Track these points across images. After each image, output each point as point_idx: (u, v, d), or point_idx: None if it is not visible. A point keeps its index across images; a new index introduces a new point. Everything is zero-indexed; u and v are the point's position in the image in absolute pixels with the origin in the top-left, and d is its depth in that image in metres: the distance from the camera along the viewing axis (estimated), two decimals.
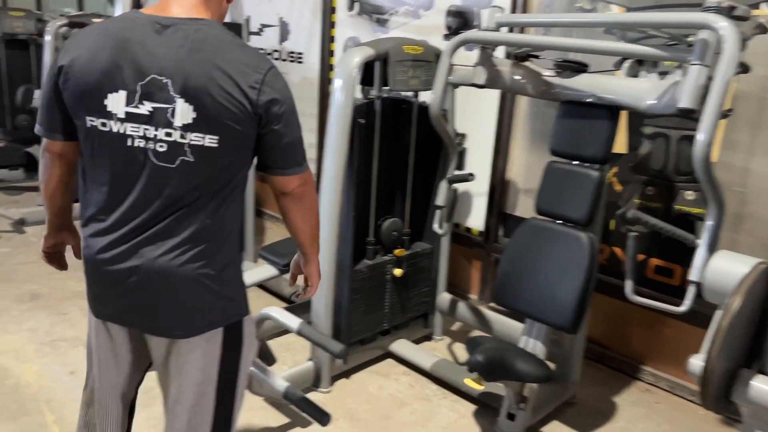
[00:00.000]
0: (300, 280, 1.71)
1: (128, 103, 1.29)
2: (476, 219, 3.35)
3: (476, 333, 3.05)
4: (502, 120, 3.17)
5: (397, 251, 2.74)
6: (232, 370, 1.48)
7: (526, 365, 2.12)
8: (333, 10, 3.99)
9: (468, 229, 3.40)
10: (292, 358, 2.80)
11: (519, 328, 2.62)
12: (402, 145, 2.74)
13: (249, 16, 4.56)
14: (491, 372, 2.11)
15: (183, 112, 1.27)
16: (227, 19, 3.42)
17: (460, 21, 3.32)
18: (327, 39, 4.06)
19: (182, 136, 1.28)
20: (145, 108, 1.28)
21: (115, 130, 1.29)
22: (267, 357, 2.52)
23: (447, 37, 3.38)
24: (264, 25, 4.52)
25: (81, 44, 1.32)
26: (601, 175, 2.20)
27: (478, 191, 3.29)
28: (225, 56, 1.28)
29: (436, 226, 2.68)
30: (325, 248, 2.49)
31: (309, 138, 4.33)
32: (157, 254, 1.33)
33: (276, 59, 4.48)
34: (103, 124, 1.30)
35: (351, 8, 3.89)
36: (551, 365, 2.29)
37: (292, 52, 4.37)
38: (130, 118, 1.29)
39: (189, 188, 1.31)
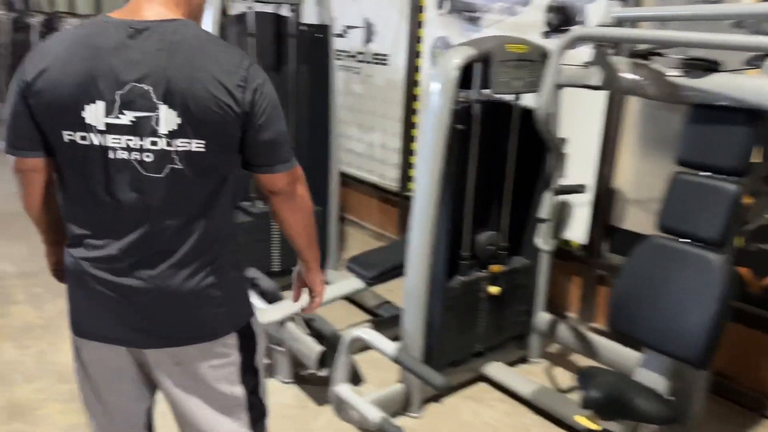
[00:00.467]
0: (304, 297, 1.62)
1: (107, 113, 1.22)
2: (577, 231, 3.09)
3: (577, 357, 2.80)
4: (609, 123, 2.90)
5: (493, 267, 2.53)
6: (252, 369, 1.46)
7: (649, 404, 1.87)
8: (421, 10, 3.82)
9: (567, 242, 3.14)
10: (379, 377, 2.65)
11: (629, 355, 2.37)
12: (500, 152, 2.53)
13: (332, 17, 4.46)
14: (609, 410, 1.88)
15: (167, 118, 1.22)
16: (314, 20, 3.35)
17: (562, 17, 3.06)
18: (414, 39, 3.89)
19: (168, 144, 1.23)
20: (126, 118, 1.22)
21: (96, 143, 1.23)
22: (355, 377, 2.37)
23: (547, 34, 3.14)
24: (348, 27, 4.41)
25: (48, 55, 1.23)
26: (738, 188, 1.92)
27: (580, 200, 3.02)
28: (206, 56, 1.23)
29: (539, 241, 2.46)
30: (417, 263, 2.32)
31: (393, 142, 4.18)
32: (158, 272, 1.29)
33: (360, 61, 4.36)
34: (83, 138, 1.23)
35: (440, 7, 3.70)
36: (671, 400, 2.02)
37: (377, 54, 4.23)
38: (111, 129, 1.22)
39: (181, 196, 1.27)
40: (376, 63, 4.26)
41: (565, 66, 2.28)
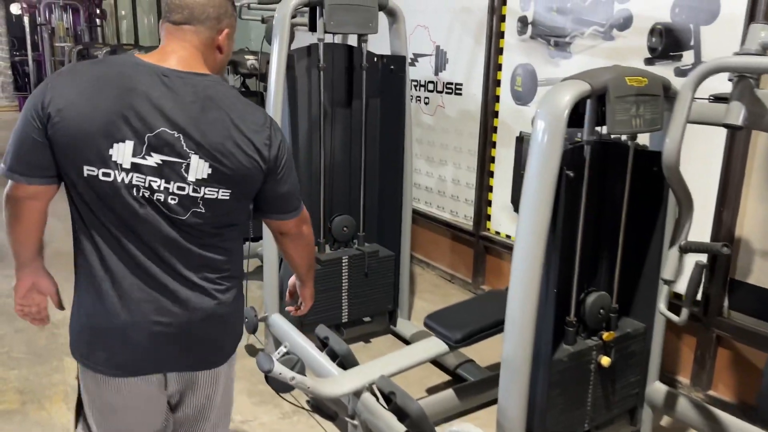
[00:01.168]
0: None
1: (135, 153, 1.27)
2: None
3: None
4: (731, 163, 2.50)
5: (605, 334, 2.16)
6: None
7: None
8: (501, 35, 3.52)
9: (677, 296, 2.74)
10: None
11: None
12: (611, 199, 2.18)
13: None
14: None
15: (198, 167, 1.30)
16: (387, 51, 3.06)
17: (669, 41, 2.70)
18: (493, 67, 3.58)
19: (195, 191, 1.31)
20: (153, 160, 1.28)
21: (119, 180, 1.27)
22: None
23: (650, 61, 2.78)
24: (417, 55, 4.15)
25: (74, 89, 1.25)
26: None
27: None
28: (238, 114, 1.33)
29: (661, 307, 2.08)
30: (519, 331, 1.98)
31: (467, 177, 3.87)
32: (193, 303, 1.38)
33: (431, 91, 4.08)
34: (105, 174, 1.27)
35: (522, 32, 3.39)
36: None
37: (450, 83, 3.95)
38: (136, 168, 1.28)
39: (198, 234, 1.35)
40: (448, 92, 3.97)
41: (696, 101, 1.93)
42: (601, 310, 2.18)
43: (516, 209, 3.63)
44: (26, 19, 11.56)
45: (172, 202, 1.30)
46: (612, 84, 1.90)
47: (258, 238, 4.34)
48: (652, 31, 2.76)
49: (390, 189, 3.15)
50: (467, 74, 3.80)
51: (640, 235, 2.24)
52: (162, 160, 1.28)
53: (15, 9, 11.76)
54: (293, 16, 2.72)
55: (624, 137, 2.13)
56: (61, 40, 10.40)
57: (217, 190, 1.32)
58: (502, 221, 3.69)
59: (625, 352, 2.27)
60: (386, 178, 3.16)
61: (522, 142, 3.54)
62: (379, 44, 3.08)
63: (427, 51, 4.08)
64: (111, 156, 1.25)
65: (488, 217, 3.78)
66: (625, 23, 2.87)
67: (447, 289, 4.03)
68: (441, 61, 4.00)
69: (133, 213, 1.29)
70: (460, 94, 3.88)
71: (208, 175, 1.30)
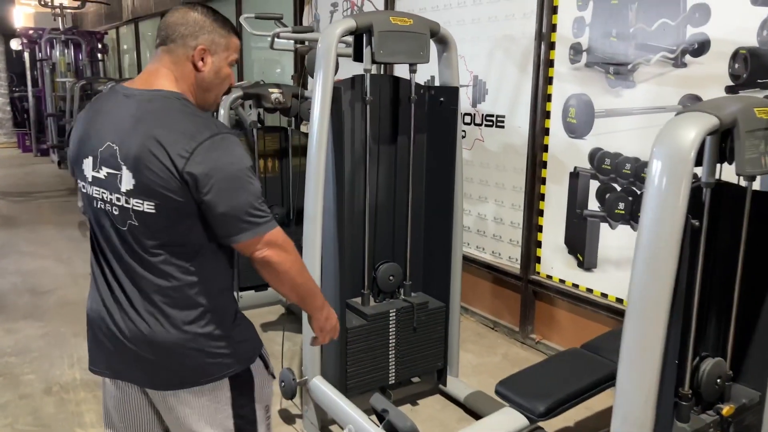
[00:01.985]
0: None
1: (93, 167, 1.40)
2: None
3: None
4: None
5: (725, 409, 1.84)
6: (247, 415, 1.53)
7: None
8: (550, 64, 3.26)
9: None
10: None
11: None
12: (724, 250, 1.88)
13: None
14: None
15: (126, 178, 1.35)
16: (434, 81, 2.77)
17: (757, 67, 2.44)
18: (541, 98, 3.31)
19: (126, 201, 1.36)
20: (103, 173, 1.38)
21: (89, 192, 1.43)
22: None
23: (732, 89, 2.51)
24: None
25: (78, 117, 1.49)
26: None
27: None
28: (165, 125, 1.33)
29: None
30: (635, 407, 1.66)
31: (511, 216, 3.56)
32: (132, 318, 1.41)
33: (468, 124, 3.81)
34: (84, 187, 1.44)
35: (576, 60, 3.13)
36: None
37: (490, 115, 3.68)
38: (94, 181, 1.40)
39: (143, 249, 1.38)
40: (488, 125, 3.70)
41: None
42: (718, 380, 1.86)
43: (571, 251, 3.33)
44: (26, 55, 11.36)
45: (115, 212, 1.38)
46: (742, 117, 1.61)
47: None
48: (735, 56, 2.49)
49: (438, 232, 2.84)
50: (511, 105, 3.53)
51: (755, 289, 1.93)
52: (108, 173, 1.37)
53: (15, 45, 11.57)
54: None
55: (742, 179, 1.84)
56: (63, 76, 10.18)
57: (142, 201, 1.35)
58: (554, 264, 3.38)
59: (741, 426, 1.94)
60: (433, 220, 2.85)
61: (577, 178, 3.27)
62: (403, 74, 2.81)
63: (463, 81, 3.81)
64: (84, 170, 1.42)
65: (538, 260, 3.46)
66: (701, 48, 2.61)
67: (491, 338, 3.69)
68: (480, 91, 3.73)
69: (99, 223, 1.43)
70: (503, 126, 3.60)
71: (133, 185, 1.34)
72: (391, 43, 2.46)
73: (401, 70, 2.61)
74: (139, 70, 10.70)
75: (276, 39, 2.99)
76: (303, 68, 5.56)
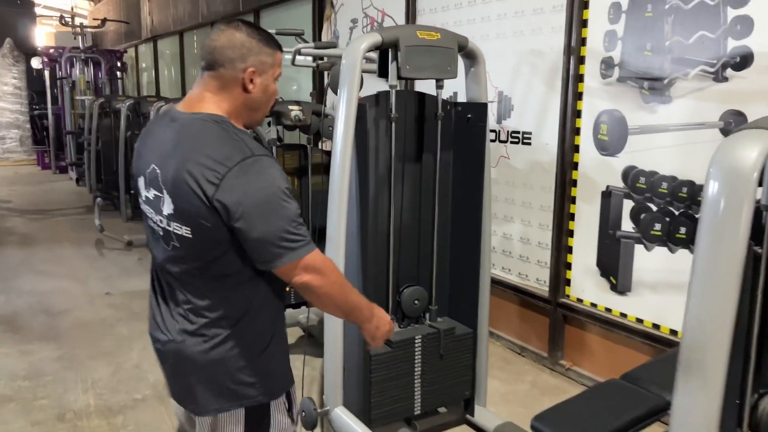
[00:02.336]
0: None
1: (144, 187, 1.45)
2: None
3: None
4: None
5: None
6: None
7: None
8: (580, 79, 3.14)
9: None
10: None
11: None
12: None
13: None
14: None
15: (167, 202, 1.37)
16: (456, 97, 2.66)
17: None
18: (571, 114, 3.20)
19: (168, 224, 1.39)
20: (151, 194, 1.43)
21: (144, 210, 1.48)
22: None
23: None
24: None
25: (138, 137, 1.57)
26: None
27: None
28: (198, 150, 1.33)
29: None
30: None
31: (540, 236, 3.43)
32: (174, 333, 1.44)
33: (492, 141, 3.69)
34: (141, 204, 1.50)
35: (607, 75, 3.02)
36: None
37: (516, 132, 3.56)
38: (146, 200, 1.46)
39: (184, 270, 1.41)
40: (514, 142, 3.58)
41: None
42: None
43: (603, 273, 3.19)
44: (47, 73, 11.47)
45: (161, 233, 1.42)
46: None
47: (300, 304, 3.94)
48: None
49: (465, 255, 2.72)
50: (538, 122, 3.42)
51: None
52: (154, 194, 1.41)
53: (36, 63, 11.70)
54: None
55: None
56: (82, 93, 10.25)
57: (180, 226, 1.36)
58: (585, 287, 3.23)
59: None
60: (460, 242, 2.73)
61: (610, 198, 3.13)
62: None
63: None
64: (140, 189, 1.48)
65: (567, 282, 3.32)
66: (744, 62, 2.48)
67: (519, 364, 3.54)
68: (505, 108, 3.62)
69: (153, 240, 1.48)
70: (529, 143, 3.48)
71: (173, 210, 1.36)
72: (417, 57, 2.36)
73: (422, 86, 2.52)
74: (157, 87, 10.76)
75: (297, 55, 2.90)
76: (322, 85, 5.49)
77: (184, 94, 9.38)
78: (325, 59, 3.11)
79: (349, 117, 2.29)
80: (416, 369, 2.59)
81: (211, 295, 1.41)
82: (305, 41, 3.15)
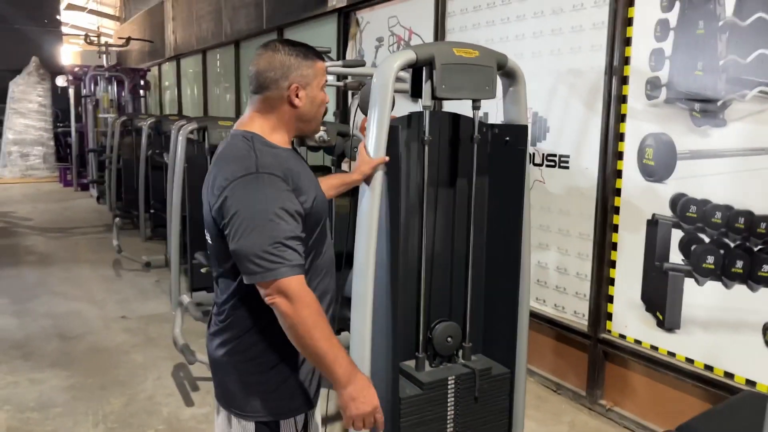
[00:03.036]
0: None
1: None
2: None
3: None
4: None
5: None
6: None
7: None
8: (623, 100, 2.95)
9: None
10: None
11: None
12: None
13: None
14: None
15: (204, 211, 1.52)
16: (487, 117, 2.48)
17: None
18: (613, 137, 3.00)
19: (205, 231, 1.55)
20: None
21: None
22: None
23: None
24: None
25: None
26: None
27: None
28: (221, 165, 1.46)
29: None
30: None
31: (579, 266, 3.22)
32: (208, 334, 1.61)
33: None
34: None
35: (653, 96, 2.82)
36: None
37: (552, 155, 3.37)
38: None
39: (216, 275, 1.54)
40: (550, 165, 3.39)
41: None
42: None
43: (648, 308, 2.95)
44: (71, 91, 11.54)
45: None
46: None
47: None
48: None
49: (501, 288, 2.52)
50: (576, 145, 3.23)
51: None
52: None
53: (61, 81, 11.80)
54: None
55: None
56: (105, 112, 10.27)
57: (207, 233, 1.51)
58: (628, 322, 3.01)
59: None
60: (496, 273, 2.54)
61: (657, 227, 2.91)
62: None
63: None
64: None
65: (609, 316, 3.10)
66: None
67: (554, 402, 3.31)
68: (540, 129, 3.44)
69: None
70: (567, 167, 3.29)
71: (204, 218, 1.51)
72: (454, 76, 2.19)
73: (452, 106, 2.36)
74: (180, 106, 10.76)
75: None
76: (346, 104, 5.36)
77: (206, 112, 9.36)
78: (349, 78, 2.96)
79: (380, 139, 2.13)
80: (449, 413, 2.39)
81: (228, 301, 1.51)
82: (331, 59, 3.00)
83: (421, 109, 2.25)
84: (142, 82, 11.14)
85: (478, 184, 2.45)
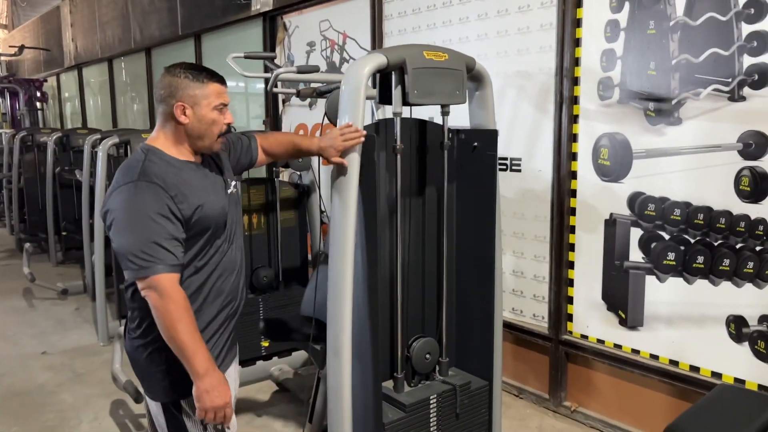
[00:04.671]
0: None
1: None
2: None
3: None
4: None
5: None
6: None
7: None
8: (575, 101, 2.96)
9: None
10: None
11: None
12: None
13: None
14: None
15: None
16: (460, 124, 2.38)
17: None
18: (566, 138, 3.00)
19: None
20: None
21: None
22: None
23: None
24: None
25: None
26: None
27: None
28: (115, 177, 1.64)
29: None
30: None
31: (536, 269, 3.21)
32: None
33: None
34: None
35: (606, 96, 2.84)
36: None
37: (503, 158, 3.34)
38: None
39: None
40: (502, 169, 3.36)
41: None
42: None
43: (610, 307, 2.97)
44: None
45: None
46: None
47: (270, 355, 3.54)
48: None
49: (474, 297, 2.43)
50: (528, 147, 3.21)
51: None
52: None
53: None
54: None
55: None
56: None
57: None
58: (590, 322, 3.02)
59: None
60: (469, 283, 2.45)
61: (615, 226, 2.93)
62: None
63: (467, 123, 3.48)
64: None
65: (569, 318, 3.10)
66: (763, 79, 2.35)
67: (518, 407, 3.28)
68: None
69: None
70: (519, 170, 3.27)
71: None
72: (425, 81, 2.08)
73: (418, 112, 2.26)
74: (84, 118, 10.07)
75: (277, 81, 2.55)
76: (277, 111, 5.14)
77: (115, 124, 8.79)
78: (302, 85, 2.79)
79: (355, 149, 1.98)
80: None
81: (131, 297, 1.70)
82: (277, 66, 2.82)
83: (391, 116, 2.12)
84: (38, 94, 10.34)
85: (449, 192, 2.36)
